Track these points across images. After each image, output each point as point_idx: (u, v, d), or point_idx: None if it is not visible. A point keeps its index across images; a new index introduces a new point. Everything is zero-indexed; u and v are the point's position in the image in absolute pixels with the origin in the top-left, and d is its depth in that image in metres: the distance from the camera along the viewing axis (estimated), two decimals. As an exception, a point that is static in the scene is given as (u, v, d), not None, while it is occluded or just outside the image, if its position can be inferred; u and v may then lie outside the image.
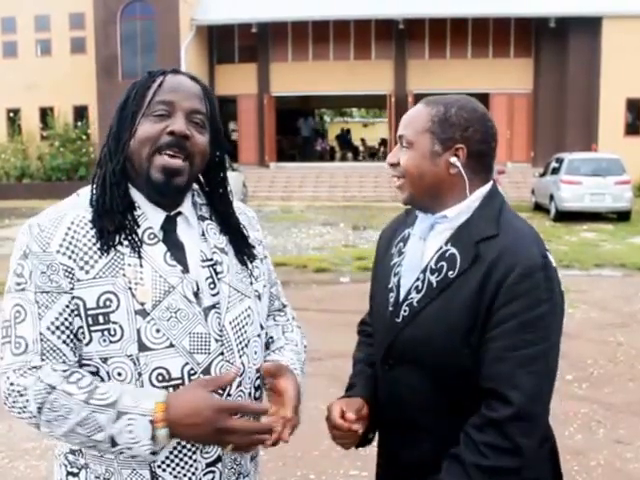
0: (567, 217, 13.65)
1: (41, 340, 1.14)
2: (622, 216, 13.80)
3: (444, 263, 1.29)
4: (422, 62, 21.40)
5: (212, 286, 1.23)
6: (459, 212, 1.31)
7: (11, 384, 1.13)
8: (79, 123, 20.90)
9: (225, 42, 22.18)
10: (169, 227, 1.23)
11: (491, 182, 1.36)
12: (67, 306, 1.15)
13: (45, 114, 21.29)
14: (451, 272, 1.27)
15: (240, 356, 1.23)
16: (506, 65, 21.18)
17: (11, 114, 21.73)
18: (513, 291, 1.20)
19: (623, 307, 6.74)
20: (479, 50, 21.31)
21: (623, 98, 19.72)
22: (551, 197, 14.20)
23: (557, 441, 1.39)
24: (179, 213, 1.25)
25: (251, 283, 1.31)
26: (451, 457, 1.24)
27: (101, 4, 20.17)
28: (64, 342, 1.16)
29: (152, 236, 1.20)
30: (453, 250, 1.29)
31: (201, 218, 1.28)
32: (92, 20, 20.56)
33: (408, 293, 1.33)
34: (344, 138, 28.09)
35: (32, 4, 20.91)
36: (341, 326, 5.59)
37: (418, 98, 20.23)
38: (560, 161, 14.49)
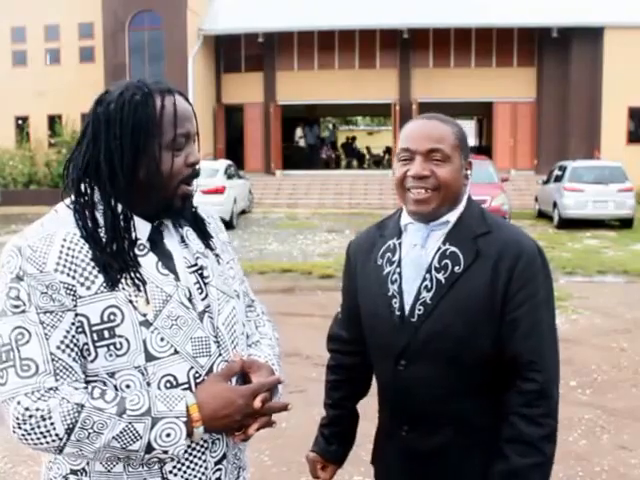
0: (570, 224, 13.70)
1: (52, 360, 1.12)
2: (625, 223, 13.88)
3: (448, 261, 1.41)
4: (426, 71, 21.51)
5: (200, 291, 1.25)
6: (456, 216, 1.46)
7: (26, 409, 1.09)
8: (87, 131, 21.08)
9: (232, 51, 22.34)
10: (155, 237, 1.24)
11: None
12: (73, 323, 1.14)
13: (53, 122, 21.47)
14: (457, 267, 1.40)
15: (235, 354, 1.27)
16: (509, 74, 21.26)
17: (20, 121, 21.93)
18: (524, 276, 1.39)
19: (626, 313, 6.74)
20: (483, 59, 21.42)
21: (625, 107, 19.81)
22: (554, 204, 14.28)
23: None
24: (161, 222, 1.26)
25: (232, 284, 1.34)
26: (514, 440, 1.35)
27: (110, 14, 20.37)
28: (74, 360, 1.14)
29: (142, 247, 1.21)
30: (453, 248, 1.42)
31: (178, 225, 1.29)
32: (101, 30, 20.75)
33: (418, 293, 1.43)
34: (349, 146, 28.27)
35: (42, 14, 21.12)
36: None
37: (422, 106, 20.41)
38: (563, 169, 14.57)
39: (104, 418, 1.10)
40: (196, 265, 1.26)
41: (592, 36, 19.72)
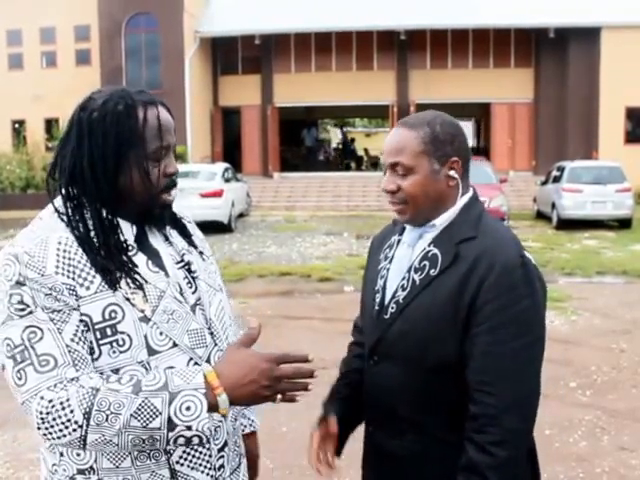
0: (569, 225, 13.71)
1: (69, 351, 1.14)
2: (623, 223, 13.88)
3: (426, 262, 1.38)
4: (424, 72, 21.54)
5: (190, 285, 1.30)
6: (445, 219, 1.40)
7: (50, 401, 1.10)
8: (84, 134, 21.05)
9: (229, 54, 22.36)
10: (140, 237, 1.28)
11: (472, 190, 1.44)
12: (81, 320, 1.17)
13: (50, 125, 21.45)
14: (433, 270, 1.36)
15: (227, 344, 1.31)
16: (507, 75, 21.31)
17: (16, 125, 21.91)
18: (495, 288, 1.28)
19: (625, 314, 6.75)
20: (480, 60, 21.44)
21: (622, 107, 19.84)
22: (553, 205, 14.28)
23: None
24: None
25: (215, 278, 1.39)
26: (465, 468, 1.29)
27: (106, 16, 20.37)
28: (87, 352, 1.17)
29: (131, 248, 1.25)
30: (435, 250, 1.37)
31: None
32: (97, 32, 20.74)
33: (395, 292, 1.41)
34: (347, 148, 28.26)
35: (38, 17, 21.10)
36: (346, 335, 5.59)
37: (420, 108, 20.39)
38: (561, 169, 14.58)
39: (120, 398, 1.10)
40: (183, 261, 1.32)
41: (589, 36, 19.76)
